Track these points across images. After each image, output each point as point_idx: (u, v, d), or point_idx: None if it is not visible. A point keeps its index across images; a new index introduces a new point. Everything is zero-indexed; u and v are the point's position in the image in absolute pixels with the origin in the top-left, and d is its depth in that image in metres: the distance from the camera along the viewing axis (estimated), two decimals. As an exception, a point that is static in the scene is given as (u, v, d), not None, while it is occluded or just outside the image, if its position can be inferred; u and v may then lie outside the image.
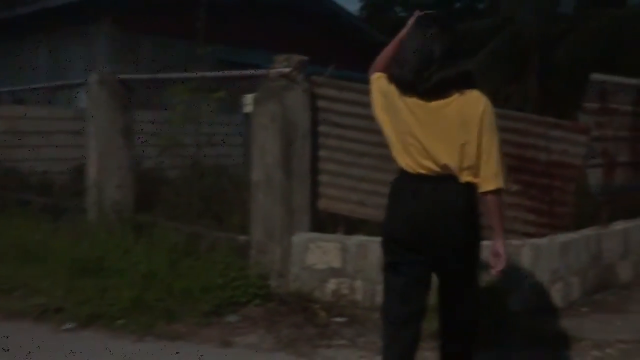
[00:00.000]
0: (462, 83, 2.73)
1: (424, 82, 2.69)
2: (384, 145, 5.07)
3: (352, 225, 5.37)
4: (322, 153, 5.29)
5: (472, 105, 2.70)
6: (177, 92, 6.02)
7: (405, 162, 2.78)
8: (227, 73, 5.47)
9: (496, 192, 2.71)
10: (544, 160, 5.21)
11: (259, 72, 5.06)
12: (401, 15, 27.30)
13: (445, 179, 2.71)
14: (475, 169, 2.69)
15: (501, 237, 2.77)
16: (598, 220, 5.56)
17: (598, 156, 5.50)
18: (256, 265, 5.04)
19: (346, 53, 12.32)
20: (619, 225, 5.60)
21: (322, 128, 5.26)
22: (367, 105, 5.14)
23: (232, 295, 4.83)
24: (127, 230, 5.72)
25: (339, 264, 4.91)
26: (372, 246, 4.81)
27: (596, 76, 5.39)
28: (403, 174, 2.81)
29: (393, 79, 2.83)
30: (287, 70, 4.94)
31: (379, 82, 2.95)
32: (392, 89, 2.82)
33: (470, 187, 2.72)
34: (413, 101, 2.73)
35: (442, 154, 2.69)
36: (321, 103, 5.22)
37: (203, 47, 5.90)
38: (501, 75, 11.18)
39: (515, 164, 5.04)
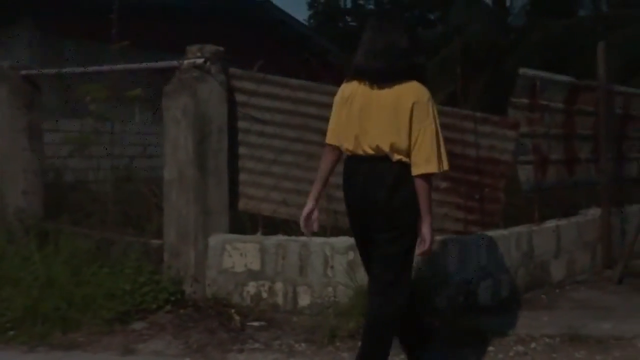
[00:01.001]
0: (407, 74, 2.98)
1: (371, 69, 3.01)
2: (304, 141, 4.96)
3: (276, 226, 5.08)
4: (242, 150, 5.00)
5: (407, 94, 2.95)
6: (91, 91, 5.67)
7: (347, 146, 3.10)
8: (135, 66, 5.11)
9: (425, 176, 2.95)
10: (473, 156, 5.03)
11: (171, 63, 4.73)
12: (352, 25, 27.45)
13: (379, 159, 2.99)
14: (407, 152, 2.94)
15: (426, 221, 2.97)
16: (532, 218, 5.40)
17: (529, 153, 5.35)
18: (169, 269, 4.68)
19: (292, 60, 12.15)
20: (551, 223, 5.45)
21: (241, 124, 4.98)
22: (287, 99, 4.99)
23: (141, 301, 4.46)
24: (31, 238, 5.28)
25: (258, 266, 4.60)
26: (292, 246, 4.53)
27: (525, 71, 5.27)
28: (348, 157, 3.14)
29: (352, 65, 3.14)
30: (200, 61, 4.63)
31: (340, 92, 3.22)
32: (344, 90, 3.15)
33: (402, 165, 2.97)
34: (360, 87, 3.06)
35: (376, 137, 2.97)
36: (240, 97, 4.94)
37: (122, 48, 5.55)
38: (451, 82, 11.15)
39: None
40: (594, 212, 5.96)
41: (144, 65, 5.04)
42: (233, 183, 4.95)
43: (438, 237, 4.50)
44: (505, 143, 5.03)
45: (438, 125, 3.00)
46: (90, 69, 5.35)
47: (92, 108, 5.64)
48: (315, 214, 3.28)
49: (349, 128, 3.08)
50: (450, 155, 4.81)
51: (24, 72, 5.87)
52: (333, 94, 4.82)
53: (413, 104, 2.93)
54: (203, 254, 4.69)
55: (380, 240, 3.06)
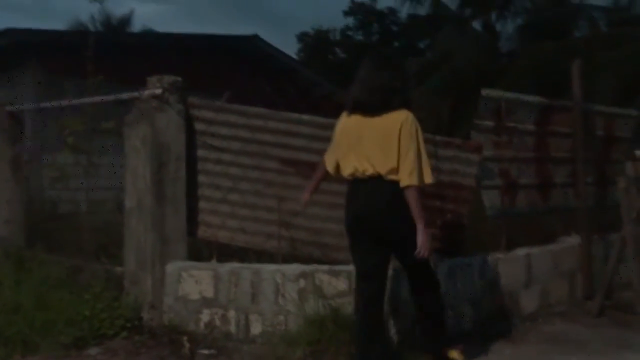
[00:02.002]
0: (394, 104, 3.51)
1: (365, 102, 3.56)
2: (262, 168, 4.99)
3: (236, 254, 5.10)
4: (201, 178, 5.05)
5: (394, 120, 3.47)
6: (68, 124, 5.82)
7: (347, 172, 3.63)
8: (100, 98, 5.23)
9: (411, 188, 3.45)
10: (434, 180, 4.96)
11: (133, 95, 4.83)
12: (341, 57, 27.60)
13: (374, 179, 3.50)
14: (397, 171, 3.44)
15: (419, 228, 3.48)
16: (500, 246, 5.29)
17: (496, 177, 5.27)
18: (128, 296, 4.72)
19: (281, 93, 12.31)
20: (521, 251, 5.30)
21: (200, 152, 5.03)
22: (245, 127, 5.04)
23: (99, 327, 4.52)
24: (10, 265, 5.42)
25: (212, 293, 4.60)
26: (244, 273, 4.53)
27: (489, 92, 5.19)
28: (350, 181, 3.64)
29: (349, 99, 3.68)
30: (158, 91, 4.72)
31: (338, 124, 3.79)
32: (342, 122, 3.73)
33: (396, 183, 3.47)
34: (356, 118, 3.60)
35: (371, 160, 3.49)
36: (199, 126, 5.01)
37: (98, 83, 5.70)
38: (441, 108, 11.10)
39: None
40: (573, 240, 5.78)
41: (110, 97, 5.16)
42: (192, 211, 4.99)
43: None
44: (468, 167, 4.97)
45: (421, 144, 3.53)
46: (64, 102, 5.49)
47: (70, 141, 5.79)
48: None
49: (348, 155, 3.59)
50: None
51: (8, 108, 6.09)
52: (289, 121, 4.97)
53: (400, 127, 3.46)
54: (160, 281, 4.72)
55: (397, 250, 3.62)
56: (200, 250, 5.05)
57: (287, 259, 4.90)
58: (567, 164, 5.91)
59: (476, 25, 15.23)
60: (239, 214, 5.00)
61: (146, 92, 4.76)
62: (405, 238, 3.51)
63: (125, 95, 4.96)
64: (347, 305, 4.15)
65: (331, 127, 4.92)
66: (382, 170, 3.48)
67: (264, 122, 4.99)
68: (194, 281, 4.64)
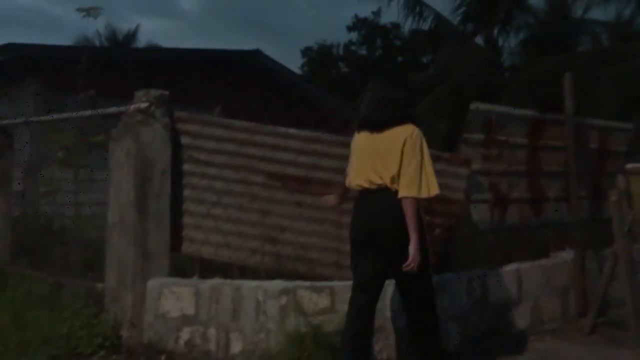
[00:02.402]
0: (398, 119, 3.68)
1: (372, 119, 3.77)
2: (247, 182, 4.92)
3: (223, 269, 5.02)
4: (186, 193, 4.98)
5: (398, 133, 3.63)
6: (58, 138, 5.77)
7: (355, 183, 3.78)
8: (88, 112, 5.17)
9: (407, 199, 3.54)
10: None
11: (120, 109, 4.77)
12: (344, 71, 27.63)
13: (380, 190, 3.63)
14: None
15: (412, 239, 3.53)
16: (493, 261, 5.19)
17: (485, 191, 5.18)
18: (108, 314, 4.64)
19: (282, 107, 12.30)
20: (511, 267, 5.19)
21: (186, 166, 4.96)
22: (231, 140, 4.97)
23: (76, 346, 4.45)
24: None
25: (193, 310, 4.52)
26: (226, 289, 4.45)
27: (477, 106, 5.12)
28: (358, 192, 3.78)
29: (359, 118, 3.89)
30: (144, 105, 4.66)
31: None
32: (355, 139, 3.91)
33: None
34: (364, 134, 3.79)
35: (377, 172, 3.64)
36: (185, 140, 4.94)
37: (90, 97, 5.66)
38: (441, 122, 11.04)
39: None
40: (566, 255, 5.66)
41: (97, 111, 5.10)
42: (176, 226, 4.92)
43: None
44: (457, 181, 4.87)
45: (426, 157, 3.64)
46: (51, 117, 5.45)
47: (60, 155, 5.74)
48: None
49: (358, 168, 3.77)
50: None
51: (-6, 122, 6.07)
52: (276, 135, 4.90)
53: (404, 140, 3.60)
54: (141, 298, 4.64)
55: (396, 260, 3.57)
56: (184, 266, 4.96)
57: (272, 274, 4.81)
58: (560, 177, 5.81)
59: (478, 40, 15.19)
60: (224, 228, 4.92)
61: (133, 107, 4.70)
62: (405, 247, 3.54)
63: (112, 109, 4.91)
64: (329, 323, 4.07)
65: (319, 141, 4.92)
66: (386, 179, 3.61)
67: (250, 135, 4.93)
68: (175, 298, 4.55)
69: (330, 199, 4.24)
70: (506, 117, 5.37)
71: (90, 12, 5.75)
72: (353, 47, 28.70)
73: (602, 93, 9.60)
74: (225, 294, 4.42)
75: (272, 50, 37.03)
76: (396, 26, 26.31)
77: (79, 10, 5.67)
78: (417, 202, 3.58)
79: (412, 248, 3.53)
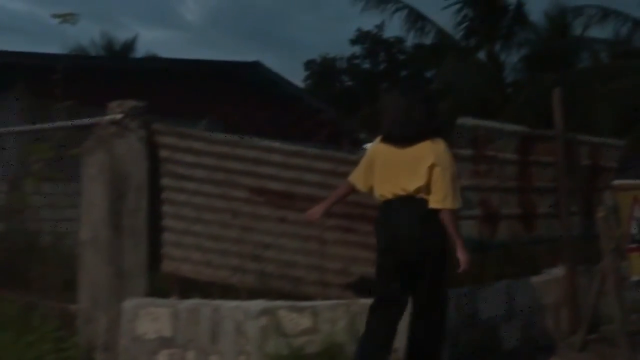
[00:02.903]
0: (425, 135, 3.68)
1: (397, 135, 3.75)
2: (229, 197, 4.74)
3: (204, 289, 4.81)
4: (166, 208, 4.78)
5: (426, 148, 3.65)
6: (35, 150, 5.56)
7: (381, 192, 3.76)
8: (61, 124, 4.97)
9: (446, 210, 3.63)
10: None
11: (94, 121, 4.59)
12: (348, 84, 27.57)
13: (407, 199, 3.66)
14: (427, 191, 3.62)
15: (458, 245, 3.69)
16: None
17: (475, 207, 5.03)
18: (80, 337, 4.42)
19: (285, 121, 12.25)
20: (501, 284, 5.04)
21: (165, 180, 4.77)
22: (212, 154, 4.80)
23: (44, 372, 4.20)
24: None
25: (170, 332, 4.31)
26: (205, 310, 4.25)
27: (464, 121, 4.98)
28: (382, 202, 3.77)
29: (381, 133, 3.87)
30: (118, 116, 4.48)
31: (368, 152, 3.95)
32: (375, 148, 3.87)
33: (424, 202, 3.65)
34: (390, 148, 3.76)
35: (403, 183, 3.66)
36: (163, 153, 4.75)
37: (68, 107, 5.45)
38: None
39: (370, 215, 4.57)
40: (558, 271, 5.51)
41: (70, 123, 4.90)
42: (155, 243, 4.72)
43: (326, 302, 4.23)
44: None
45: (454, 170, 3.70)
46: (16, 129, 5.24)
47: (35, 168, 5.53)
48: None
49: (382, 179, 3.75)
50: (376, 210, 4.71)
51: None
52: (258, 149, 4.73)
53: (433, 154, 3.64)
54: (116, 320, 4.42)
55: (418, 267, 3.62)
56: (165, 286, 4.75)
57: (256, 293, 4.62)
58: (552, 193, 5.68)
59: (480, 55, 15.19)
60: (205, 246, 4.73)
61: (106, 118, 4.52)
62: (429, 255, 3.62)
63: (87, 121, 4.72)
64: (310, 344, 3.91)
65: (302, 155, 4.75)
66: (412, 188, 3.63)
67: (231, 148, 4.76)
68: (152, 319, 4.34)
69: (314, 212, 4.10)
70: (495, 133, 5.24)
71: (66, 17, 5.55)
72: (356, 61, 28.62)
73: (600, 109, 9.55)
74: (203, 315, 4.22)
75: (275, 63, 37.27)
76: (400, 40, 26.27)
77: (54, 16, 5.47)
78: (454, 213, 3.69)
79: (461, 253, 3.68)
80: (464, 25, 14.85)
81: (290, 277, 4.73)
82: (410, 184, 3.65)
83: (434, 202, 3.63)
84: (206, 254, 4.75)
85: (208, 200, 4.76)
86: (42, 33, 48.58)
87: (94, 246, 4.47)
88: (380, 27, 27.12)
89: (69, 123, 4.85)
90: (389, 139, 3.79)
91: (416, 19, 14.37)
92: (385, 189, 3.74)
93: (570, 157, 5.76)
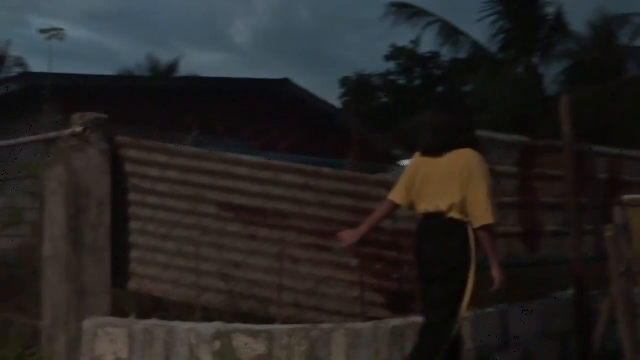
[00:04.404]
0: (460, 145, 3.53)
1: (431, 144, 3.65)
2: (198, 213, 4.52)
3: (178, 308, 4.61)
4: (133, 225, 4.60)
5: (457, 158, 3.50)
6: (27, 167, 5.54)
7: (419, 207, 3.63)
8: (25, 139, 4.89)
9: (485, 228, 3.43)
10: (389, 228, 4.40)
11: (52, 135, 4.47)
12: (384, 101, 27.15)
13: (437, 216, 3.50)
14: (459, 210, 3.44)
15: (493, 263, 3.49)
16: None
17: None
18: (44, 355, 4.27)
19: (316, 138, 12.14)
20: (495, 309, 4.60)
21: (132, 196, 4.59)
22: (179, 168, 4.60)
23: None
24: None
25: (127, 354, 4.08)
26: (158, 332, 4.01)
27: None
28: (421, 215, 3.64)
29: (419, 142, 3.77)
30: (78, 129, 4.34)
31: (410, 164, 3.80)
32: (415, 161, 3.73)
33: (454, 221, 3.46)
34: (423, 159, 3.66)
35: (434, 198, 3.52)
36: (130, 167, 4.59)
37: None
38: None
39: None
40: (567, 296, 5.06)
41: (32, 137, 4.81)
42: (122, 261, 4.53)
43: (321, 326, 3.92)
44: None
45: (490, 182, 3.51)
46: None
47: (28, 184, 5.49)
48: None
49: (421, 192, 3.62)
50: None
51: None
52: (227, 162, 4.51)
53: (463, 167, 3.47)
54: (76, 340, 4.24)
55: (432, 283, 3.50)
56: (135, 305, 4.56)
57: (227, 315, 4.38)
58: (561, 210, 5.20)
59: (518, 68, 14.60)
60: (173, 264, 4.52)
61: (67, 131, 4.38)
62: (448, 274, 3.44)
63: (51, 135, 4.60)
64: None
65: (272, 169, 4.50)
66: (444, 207, 3.47)
67: (199, 162, 4.56)
68: (109, 340, 4.13)
69: (349, 238, 3.82)
70: (490, 143, 4.84)
71: (53, 32, 5.51)
72: (391, 77, 28.25)
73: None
74: (158, 337, 3.99)
75: (320, 82, 37.23)
76: (435, 55, 25.78)
77: (41, 31, 5.44)
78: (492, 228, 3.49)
79: (497, 272, 3.48)
80: (500, 37, 14.27)
81: (261, 298, 4.47)
82: (442, 202, 3.49)
83: (473, 220, 3.44)
84: (175, 273, 4.54)
85: (176, 217, 4.56)
86: (101, 59, 50.67)
87: (54, 263, 4.32)
88: (415, 42, 26.64)
89: (34, 138, 4.74)
90: (424, 151, 3.70)
91: (450, 32, 13.91)
92: (423, 203, 3.62)
93: (582, 170, 5.30)
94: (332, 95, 28.54)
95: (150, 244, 4.57)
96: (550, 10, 14.09)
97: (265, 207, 4.48)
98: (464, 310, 3.45)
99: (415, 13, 14.03)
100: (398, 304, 4.41)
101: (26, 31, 48.72)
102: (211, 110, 11.45)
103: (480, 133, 4.82)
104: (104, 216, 4.40)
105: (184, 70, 26.68)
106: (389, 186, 4.39)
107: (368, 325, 4.01)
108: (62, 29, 5.51)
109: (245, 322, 4.14)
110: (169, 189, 4.54)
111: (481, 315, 4.49)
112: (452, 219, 3.46)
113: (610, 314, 4.51)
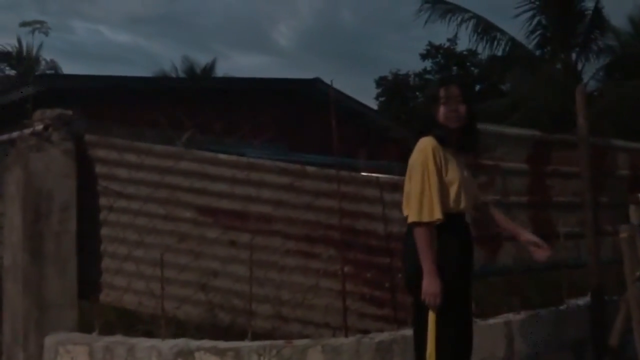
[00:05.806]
0: (416, 135, 3.04)
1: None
2: (174, 218, 4.13)
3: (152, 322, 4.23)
4: (104, 231, 4.23)
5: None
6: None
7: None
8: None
9: (414, 225, 2.91)
10: (381, 232, 3.98)
11: (14, 134, 4.11)
12: (421, 100, 26.58)
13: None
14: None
15: (425, 269, 2.81)
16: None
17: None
18: (1, 375, 3.92)
19: (350, 140, 11.86)
20: (500, 319, 4.16)
21: (103, 200, 4.22)
22: (154, 168, 4.21)
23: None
24: None
25: (87, 373, 3.72)
26: (120, 350, 3.64)
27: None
28: None
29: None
30: (39, 127, 3.97)
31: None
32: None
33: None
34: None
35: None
36: (100, 169, 4.22)
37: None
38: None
39: (344, 239, 3.92)
40: (581, 303, 4.61)
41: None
42: (92, 271, 4.18)
43: (298, 342, 3.51)
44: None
45: (432, 176, 2.89)
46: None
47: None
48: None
49: None
50: (352, 232, 3.99)
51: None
52: (204, 161, 4.12)
53: (410, 159, 2.99)
54: (38, 357, 3.88)
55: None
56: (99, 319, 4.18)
57: (206, 328, 4.00)
58: (576, 209, 4.74)
59: (556, 64, 14.10)
60: (147, 273, 4.13)
61: (28, 130, 4.02)
62: (410, 284, 2.99)
63: (15, 134, 4.24)
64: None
65: (255, 168, 4.10)
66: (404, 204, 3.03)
67: (174, 162, 4.17)
68: (70, 358, 3.78)
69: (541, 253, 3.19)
70: (496, 138, 4.40)
71: (35, 26, 5.17)
72: (428, 76, 27.65)
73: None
74: (118, 355, 3.62)
75: (361, 82, 36.98)
76: (473, 53, 25.09)
77: (22, 24, 5.11)
78: (425, 227, 2.86)
79: (425, 280, 2.83)
80: (537, 33, 13.72)
81: (242, 309, 4.06)
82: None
83: (409, 216, 2.94)
84: (150, 283, 4.14)
85: (151, 222, 4.18)
86: (144, 62, 51.22)
87: (13, 273, 3.97)
88: (453, 40, 26.02)
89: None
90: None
91: (486, 28, 13.35)
92: None
93: (601, 166, 4.83)
94: (371, 96, 27.97)
95: (123, 252, 4.20)
96: (588, 4, 13.50)
97: (246, 211, 4.08)
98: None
99: (449, 9, 13.52)
100: (391, 315, 3.98)
101: (69, 36, 49.11)
102: (238, 111, 11.21)
103: (484, 127, 4.40)
104: (68, 222, 4.03)
105: (220, 72, 26.24)
106: (378, 185, 4.02)
107: (349, 340, 3.59)
108: (44, 22, 5.15)
109: (225, 335, 3.77)
110: (143, 191, 4.18)
111: (482, 327, 4.05)
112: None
113: (626, 321, 4.06)
